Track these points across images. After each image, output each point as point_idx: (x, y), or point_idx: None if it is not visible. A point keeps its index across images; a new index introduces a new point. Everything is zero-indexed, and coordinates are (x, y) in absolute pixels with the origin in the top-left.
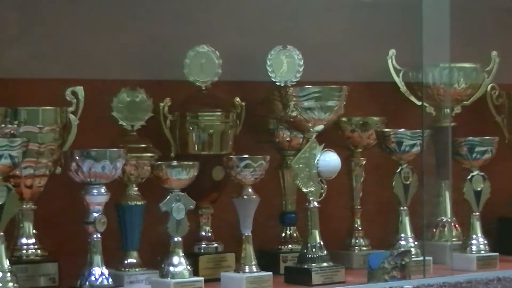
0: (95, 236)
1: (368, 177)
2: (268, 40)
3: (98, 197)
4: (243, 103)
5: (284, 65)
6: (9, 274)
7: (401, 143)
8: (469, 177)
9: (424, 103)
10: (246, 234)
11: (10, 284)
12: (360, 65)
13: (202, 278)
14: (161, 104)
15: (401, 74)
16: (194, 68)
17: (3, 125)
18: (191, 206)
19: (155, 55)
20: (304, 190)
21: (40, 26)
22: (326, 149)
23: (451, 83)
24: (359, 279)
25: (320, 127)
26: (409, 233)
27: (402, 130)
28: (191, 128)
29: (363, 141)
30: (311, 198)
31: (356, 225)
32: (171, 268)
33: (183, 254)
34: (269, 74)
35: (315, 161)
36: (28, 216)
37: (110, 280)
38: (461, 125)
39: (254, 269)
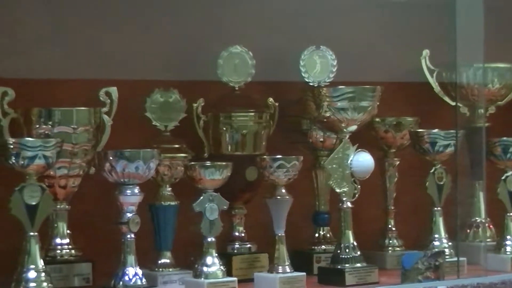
0: (128, 236)
1: (402, 177)
2: (302, 41)
3: (132, 197)
4: (277, 104)
5: (318, 66)
6: (43, 274)
7: (435, 144)
8: (503, 177)
9: (458, 104)
10: (280, 234)
11: (45, 284)
12: (393, 65)
13: (235, 279)
14: (195, 105)
15: (435, 74)
16: (228, 68)
17: (38, 126)
18: (225, 207)
19: (188, 55)
20: (338, 190)
21: (74, 26)
22: (360, 149)
23: (485, 83)
24: (392, 279)
25: (353, 128)
26: (443, 233)
27: (436, 130)
28: (224, 128)
29: (397, 142)
30: (344, 199)
31: (390, 226)
32: (205, 269)
33: (216, 255)
34: (303, 74)
35: (349, 162)
36: (62, 216)
37: (143, 280)
38: (495, 126)
39: (288, 270)
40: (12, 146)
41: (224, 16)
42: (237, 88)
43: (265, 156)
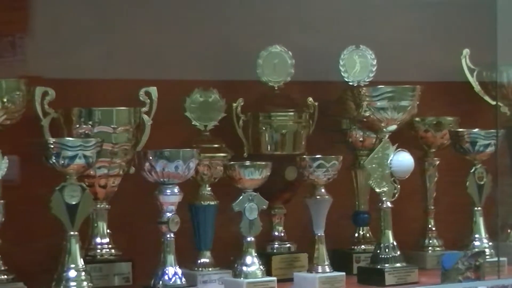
0: (168, 235)
1: (442, 177)
2: (341, 40)
3: (171, 197)
4: (316, 103)
5: (357, 65)
6: (83, 273)
7: (475, 143)
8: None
9: (499, 103)
10: (319, 234)
11: (85, 283)
12: (433, 64)
13: (275, 278)
14: (234, 104)
15: (475, 74)
16: (267, 68)
17: (78, 126)
18: (264, 206)
19: (228, 55)
20: (377, 190)
21: (114, 26)
22: (399, 149)
23: None
24: (432, 279)
25: (393, 127)
26: (483, 233)
27: (476, 130)
28: (264, 128)
29: (437, 141)
30: (384, 198)
31: (430, 226)
32: (244, 268)
33: (256, 254)
34: (342, 74)
35: (388, 161)
36: (102, 216)
37: (183, 279)
38: None
39: (327, 269)
40: (52, 146)
41: (264, 15)
42: (276, 88)
43: (304, 156)
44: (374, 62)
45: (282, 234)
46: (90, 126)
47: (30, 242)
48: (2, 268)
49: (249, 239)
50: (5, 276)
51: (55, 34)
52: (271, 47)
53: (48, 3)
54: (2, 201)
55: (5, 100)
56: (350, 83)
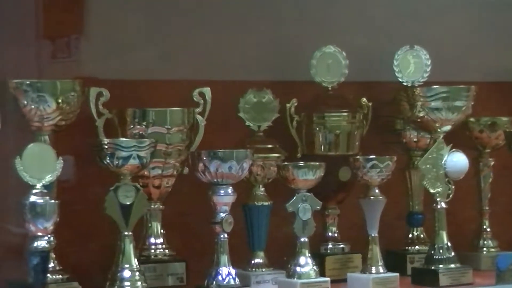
0: (222, 236)
1: (497, 178)
2: (395, 40)
3: (225, 197)
4: (370, 104)
5: (411, 65)
6: (137, 273)
7: None
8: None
9: None
10: (373, 234)
11: (139, 283)
12: (488, 64)
13: (328, 279)
14: (288, 105)
15: None
16: (321, 68)
17: (132, 126)
18: (318, 207)
19: (281, 55)
20: (431, 190)
21: (168, 27)
22: (454, 149)
23: None
24: (487, 281)
25: (447, 128)
26: None
27: None
28: (317, 128)
29: (492, 142)
30: (438, 199)
31: (484, 226)
32: (298, 269)
33: (309, 255)
34: (396, 74)
35: (443, 162)
36: (156, 216)
37: (237, 280)
38: None
39: (381, 270)
40: (107, 147)
41: (318, 16)
42: (330, 88)
43: (358, 156)
44: (429, 62)
45: (336, 235)
46: (144, 126)
47: (85, 242)
48: (57, 268)
49: (302, 239)
50: (60, 276)
51: (110, 35)
52: (325, 48)
53: (103, 4)
54: (57, 201)
55: (60, 100)
56: (404, 84)
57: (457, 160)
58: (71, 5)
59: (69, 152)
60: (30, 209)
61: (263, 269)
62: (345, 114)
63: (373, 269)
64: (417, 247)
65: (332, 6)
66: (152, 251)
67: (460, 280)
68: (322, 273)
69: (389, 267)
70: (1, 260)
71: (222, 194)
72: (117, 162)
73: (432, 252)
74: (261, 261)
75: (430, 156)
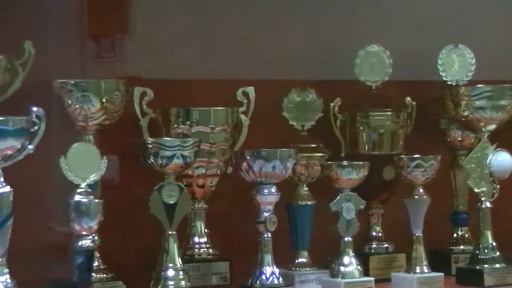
0: (265, 235)
1: None
2: (439, 39)
3: (269, 196)
4: (414, 103)
5: (456, 64)
6: (181, 273)
7: None
8: None
9: None
10: (417, 234)
11: (183, 282)
12: None
13: (372, 278)
14: (332, 104)
15: None
16: (365, 67)
17: (176, 126)
18: (361, 206)
19: (325, 55)
20: (476, 190)
21: (212, 26)
22: (499, 148)
23: None
24: None
25: (492, 127)
26: None
27: None
28: (361, 128)
29: None
30: (483, 199)
31: None
32: (342, 268)
33: (353, 254)
34: (440, 73)
35: (487, 161)
36: (200, 215)
37: (280, 279)
38: None
39: (425, 270)
40: (151, 146)
41: (361, 15)
42: (374, 87)
43: (402, 156)
44: (473, 61)
45: (380, 234)
46: (188, 126)
47: (129, 241)
48: (102, 267)
49: (346, 239)
50: (105, 275)
51: (154, 34)
52: (369, 47)
53: (147, 4)
54: (101, 200)
55: (104, 100)
56: (449, 83)
57: (502, 159)
58: (116, 5)
59: (113, 151)
60: (75, 208)
61: (307, 269)
62: (389, 113)
63: (418, 269)
64: (461, 246)
65: (376, 5)
66: (196, 250)
67: (505, 280)
68: (366, 272)
69: (433, 267)
70: (46, 259)
71: (265, 193)
72: (161, 162)
73: (477, 252)
74: (304, 260)
75: (474, 156)
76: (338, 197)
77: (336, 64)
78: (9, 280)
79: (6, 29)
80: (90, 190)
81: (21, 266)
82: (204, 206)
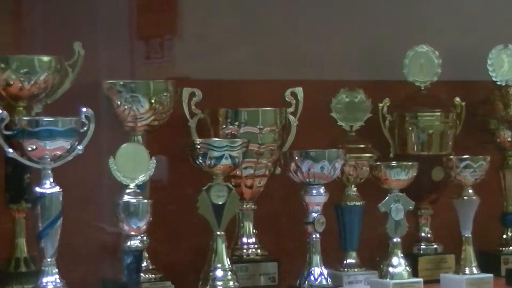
0: (314, 236)
1: None
2: (489, 39)
3: (317, 197)
4: (463, 103)
5: (505, 64)
6: (230, 273)
7: None
8: None
9: None
10: (466, 235)
11: (231, 282)
12: None
13: (421, 279)
14: (380, 105)
15: None
16: (413, 68)
17: (224, 126)
18: (410, 207)
19: (374, 55)
20: None
21: (260, 27)
22: None
23: None
24: None
25: None
26: None
27: None
28: (410, 128)
29: None
30: None
31: None
32: (390, 269)
33: (402, 255)
34: (490, 73)
35: None
36: (249, 216)
37: (329, 280)
38: None
39: (474, 271)
40: (199, 147)
41: (410, 15)
42: (423, 88)
43: (451, 156)
44: None
45: (429, 235)
46: (236, 126)
47: (178, 242)
48: (150, 267)
49: (395, 240)
50: (153, 275)
51: (203, 35)
52: (418, 47)
53: (196, 4)
54: (150, 200)
55: (153, 101)
56: (498, 83)
57: None
58: (165, 6)
59: (162, 152)
60: (124, 209)
61: (355, 269)
62: (438, 113)
63: (467, 270)
64: (511, 248)
65: (425, 5)
66: (245, 250)
67: None
68: (414, 273)
69: (482, 268)
70: (95, 259)
71: (314, 194)
72: (209, 162)
73: None
74: (353, 261)
75: None
76: (387, 197)
77: (385, 64)
78: (58, 280)
79: (55, 30)
80: (139, 190)
81: (71, 266)
82: (253, 206)
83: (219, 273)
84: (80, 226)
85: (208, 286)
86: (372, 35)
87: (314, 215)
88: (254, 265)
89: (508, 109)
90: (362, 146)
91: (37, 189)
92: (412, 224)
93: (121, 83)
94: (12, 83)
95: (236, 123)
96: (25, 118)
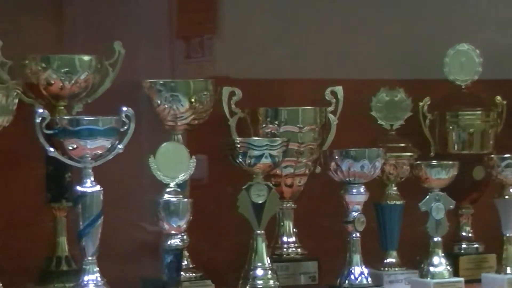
0: (354, 235)
1: None
2: None
3: (357, 196)
4: (504, 102)
5: None
6: (270, 272)
7: None
8: None
9: None
10: (508, 234)
11: (271, 281)
12: None
13: (462, 279)
14: (421, 104)
15: None
16: (454, 66)
17: (264, 125)
18: (451, 206)
19: (414, 54)
20: None
21: (300, 26)
22: None
23: None
24: None
25: None
26: None
27: None
28: (451, 127)
29: None
30: None
31: None
32: (431, 268)
33: (443, 254)
34: None
35: None
36: (289, 215)
37: (369, 279)
38: None
39: None
40: (239, 146)
41: (451, 13)
42: (463, 87)
43: (492, 155)
44: None
45: (470, 235)
46: (276, 125)
47: (218, 241)
48: (191, 266)
49: (435, 239)
50: (193, 274)
51: (243, 34)
52: (458, 45)
53: (236, 4)
54: (190, 199)
55: (193, 100)
56: None
57: None
58: (204, 5)
59: (202, 151)
60: (164, 208)
61: (396, 269)
62: (479, 112)
63: (508, 270)
64: None
65: (466, 4)
66: (285, 249)
67: None
68: (455, 273)
69: None
70: (136, 257)
71: (354, 193)
72: (249, 161)
73: None
74: (393, 260)
75: None
76: (427, 197)
77: (425, 63)
78: (99, 279)
79: (96, 30)
80: (179, 189)
81: (111, 265)
82: (293, 205)
83: (259, 272)
84: (121, 225)
85: (248, 285)
86: (412, 34)
87: (354, 214)
88: (294, 264)
89: None
90: (402, 145)
91: (78, 188)
92: (453, 224)
93: (161, 82)
94: (53, 82)
95: (276, 122)
96: (65, 117)
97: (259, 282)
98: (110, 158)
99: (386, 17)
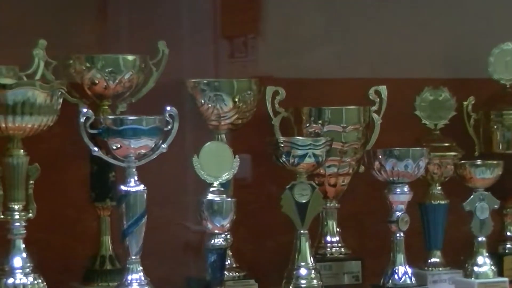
0: (398, 235)
1: None
2: None
3: (401, 196)
4: None
5: None
6: (313, 271)
7: None
8: None
9: None
10: None
11: (315, 281)
12: None
13: (506, 279)
14: (465, 103)
15: None
16: (499, 66)
17: (308, 125)
18: (496, 206)
19: (458, 53)
20: None
21: (344, 25)
22: None
23: None
24: None
25: None
26: None
27: None
28: (495, 126)
29: None
30: None
31: None
32: (475, 268)
33: (487, 254)
34: None
35: None
36: (332, 215)
37: (413, 279)
38: None
39: None
40: (283, 145)
41: (496, 12)
42: (508, 86)
43: None
44: None
45: None
46: (320, 125)
47: (261, 240)
48: (234, 265)
49: (480, 239)
50: (237, 273)
51: (286, 34)
52: (503, 45)
53: (279, 3)
54: (233, 199)
55: (236, 99)
56: None
57: None
58: (248, 4)
59: (245, 150)
60: (208, 207)
61: (440, 269)
62: None
63: None
64: None
65: (510, 2)
66: (328, 249)
67: None
68: (500, 273)
69: None
70: (179, 257)
71: (398, 192)
72: (293, 161)
73: None
74: (437, 260)
75: None
76: (472, 196)
77: (470, 62)
78: (143, 278)
79: (140, 29)
80: (222, 189)
81: (155, 264)
82: (336, 205)
83: (302, 271)
84: (164, 224)
85: (292, 284)
86: (456, 33)
87: (398, 213)
88: (337, 263)
89: None
90: (446, 144)
91: (122, 187)
92: (497, 223)
93: (205, 81)
94: (97, 82)
95: (320, 121)
96: (110, 117)
97: (303, 281)
98: (154, 157)
99: (430, 16)
